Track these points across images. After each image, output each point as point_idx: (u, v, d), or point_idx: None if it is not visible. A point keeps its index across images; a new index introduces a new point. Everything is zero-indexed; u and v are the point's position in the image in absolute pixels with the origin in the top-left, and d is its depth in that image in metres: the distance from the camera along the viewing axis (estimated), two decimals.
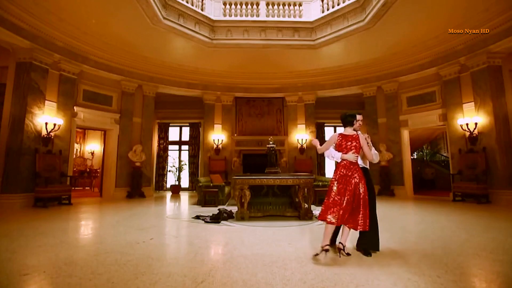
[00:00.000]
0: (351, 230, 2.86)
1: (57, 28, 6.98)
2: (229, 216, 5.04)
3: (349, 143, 2.95)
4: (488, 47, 6.79)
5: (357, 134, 3.01)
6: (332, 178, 2.98)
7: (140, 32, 7.50)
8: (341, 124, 3.18)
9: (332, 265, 2.55)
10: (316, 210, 5.69)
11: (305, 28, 8.35)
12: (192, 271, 2.40)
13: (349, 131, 3.04)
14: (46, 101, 7.00)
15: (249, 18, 8.36)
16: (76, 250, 3.05)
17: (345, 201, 2.76)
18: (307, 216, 4.90)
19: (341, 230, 2.95)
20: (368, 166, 3.17)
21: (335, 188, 2.87)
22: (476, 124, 7.09)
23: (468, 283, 2.18)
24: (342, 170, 2.91)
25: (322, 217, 2.83)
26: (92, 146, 12.89)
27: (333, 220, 2.73)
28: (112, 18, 6.92)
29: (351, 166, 2.90)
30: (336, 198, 2.82)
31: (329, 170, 11.60)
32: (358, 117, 3.14)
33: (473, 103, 7.28)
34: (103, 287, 2.06)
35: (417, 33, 7.47)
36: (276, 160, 6.27)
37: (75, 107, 7.77)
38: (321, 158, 11.67)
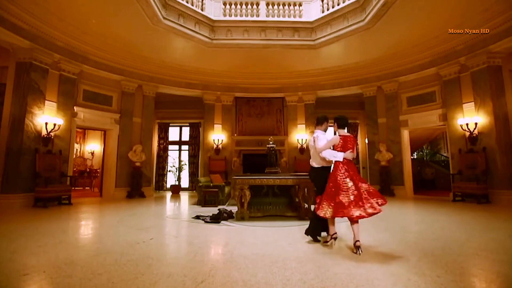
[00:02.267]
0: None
1: (57, 28, 6.98)
2: (229, 216, 5.04)
3: (349, 144, 3.30)
4: (488, 47, 6.79)
5: (351, 135, 3.39)
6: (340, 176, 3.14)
7: (140, 32, 7.50)
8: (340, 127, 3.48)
9: (332, 265, 2.55)
10: None
11: (305, 28, 8.35)
12: (192, 271, 2.40)
13: (344, 132, 3.39)
14: (46, 101, 7.00)
15: (249, 18, 8.36)
16: (76, 250, 3.05)
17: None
18: (307, 216, 4.89)
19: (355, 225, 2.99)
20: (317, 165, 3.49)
21: (350, 184, 3.05)
22: (476, 124, 7.09)
23: (468, 283, 2.17)
24: (346, 167, 3.19)
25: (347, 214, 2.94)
26: (92, 146, 12.89)
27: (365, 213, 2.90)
28: (112, 18, 6.92)
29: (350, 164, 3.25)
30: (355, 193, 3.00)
31: None
32: None
33: (473, 103, 7.27)
34: (103, 287, 2.06)
35: (417, 33, 7.47)
36: (276, 160, 6.26)
37: (75, 107, 7.77)
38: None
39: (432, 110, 8.37)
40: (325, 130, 3.60)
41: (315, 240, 3.40)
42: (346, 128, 3.42)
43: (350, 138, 3.31)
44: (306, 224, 4.48)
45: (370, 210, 2.89)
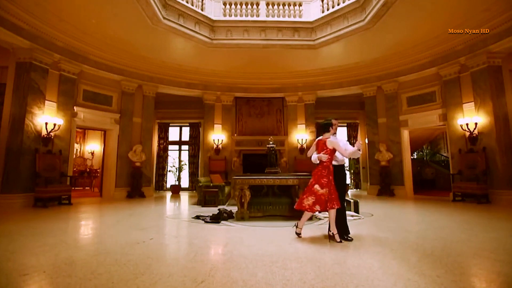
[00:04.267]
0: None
1: (57, 28, 6.98)
2: (229, 216, 5.04)
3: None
4: (488, 47, 6.79)
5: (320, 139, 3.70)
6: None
7: (140, 32, 7.50)
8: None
9: (332, 265, 2.55)
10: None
11: (305, 28, 8.34)
12: (192, 271, 2.40)
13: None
14: (46, 101, 7.00)
15: (249, 18, 8.35)
16: (76, 250, 3.05)
17: None
18: None
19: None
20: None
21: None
22: (476, 124, 7.09)
23: (468, 283, 2.17)
24: None
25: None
26: (92, 146, 12.89)
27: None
28: (112, 18, 6.92)
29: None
30: None
31: None
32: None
33: (473, 103, 7.27)
34: (103, 287, 2.06)
35: (417, 33, 7.47)
36: (276, 160, 6.27)
37: (75, 107, 7.77)
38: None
39: (432, 110, 8.37)
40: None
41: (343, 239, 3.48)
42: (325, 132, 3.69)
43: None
44: (306, 224, 4.48)
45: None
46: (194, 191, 10.20)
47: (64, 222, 4.76)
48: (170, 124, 12.01)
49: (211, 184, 7.32)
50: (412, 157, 10.32)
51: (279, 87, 10.66)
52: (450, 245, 3.16)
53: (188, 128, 12.04)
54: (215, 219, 4.79)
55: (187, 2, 7.59)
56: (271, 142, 6.18)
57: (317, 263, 2.61)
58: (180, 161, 11.89)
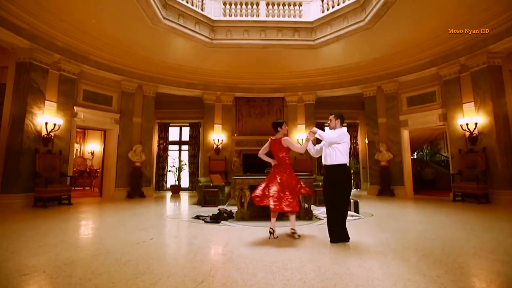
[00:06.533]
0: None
1: (57, 28, 6.98)
2: (229, 216, 5.04)
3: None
4: (488, 47, 6.80)
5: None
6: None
7: (140, 32, 7.50)
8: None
9: (332, 265, 2.55)
10: (316, 210, 5.70)
11: (305, 28, 8.35)
12: (192, 271, 2.40)
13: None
14: (46, 101, 7.00)
15: (249, 18, 8.36)
16: (76, 250, 3.05)
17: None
18: (307, 216, 4.90)
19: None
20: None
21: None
22: (476, 124, 7.09)
23: (468, 283, 2.17)
24: None
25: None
26: (92, 146, 12.89)
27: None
28: (112, 18, 6.92)
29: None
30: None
31: None
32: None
33: (473, 103, 7.28)
34: (103, 287, 2.06)
35: (417, 33, 7.47)
36: None
37: (75, 107, 7.77)
38: (321, 158, 11.65)
39: (432, 110, 8.37)
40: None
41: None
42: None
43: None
44: (306, 224, 4.51)
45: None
46: (194, 191, 10.20)
47: (64, 222, 4.76)
48: (170, 124, 12.02)
49: (211, 184, 7.32)
50: (412, 157, 10.32)
51: (279, 87, 10.66)
52: (450, 245, 3.16)
53: (188, 128, 12.04)
54: (215, 219, 4.78)
55: (187, 2, 7.59)
56: None
57: (317, 263, 2.61)
58: (180, 161, 11.90)
